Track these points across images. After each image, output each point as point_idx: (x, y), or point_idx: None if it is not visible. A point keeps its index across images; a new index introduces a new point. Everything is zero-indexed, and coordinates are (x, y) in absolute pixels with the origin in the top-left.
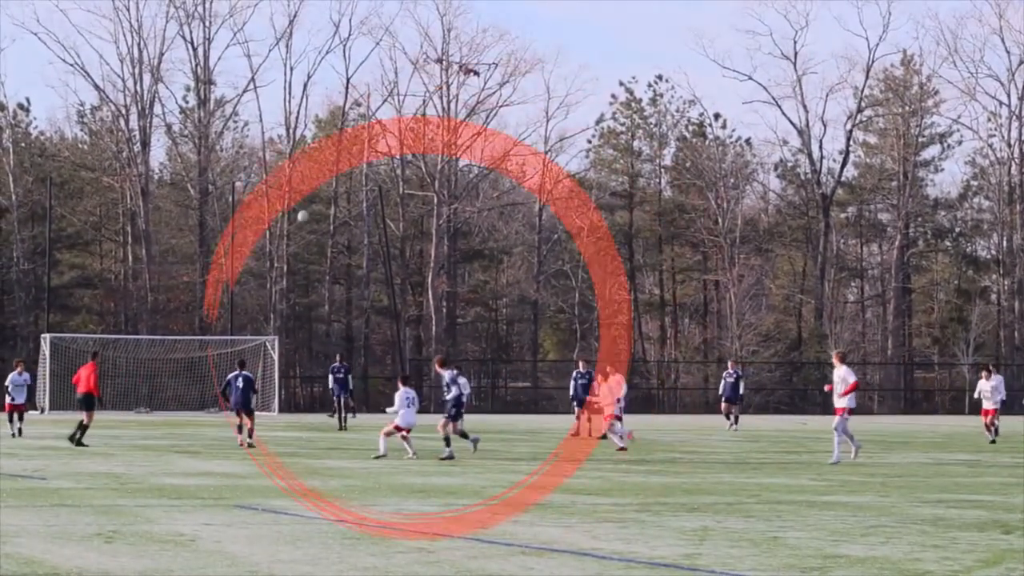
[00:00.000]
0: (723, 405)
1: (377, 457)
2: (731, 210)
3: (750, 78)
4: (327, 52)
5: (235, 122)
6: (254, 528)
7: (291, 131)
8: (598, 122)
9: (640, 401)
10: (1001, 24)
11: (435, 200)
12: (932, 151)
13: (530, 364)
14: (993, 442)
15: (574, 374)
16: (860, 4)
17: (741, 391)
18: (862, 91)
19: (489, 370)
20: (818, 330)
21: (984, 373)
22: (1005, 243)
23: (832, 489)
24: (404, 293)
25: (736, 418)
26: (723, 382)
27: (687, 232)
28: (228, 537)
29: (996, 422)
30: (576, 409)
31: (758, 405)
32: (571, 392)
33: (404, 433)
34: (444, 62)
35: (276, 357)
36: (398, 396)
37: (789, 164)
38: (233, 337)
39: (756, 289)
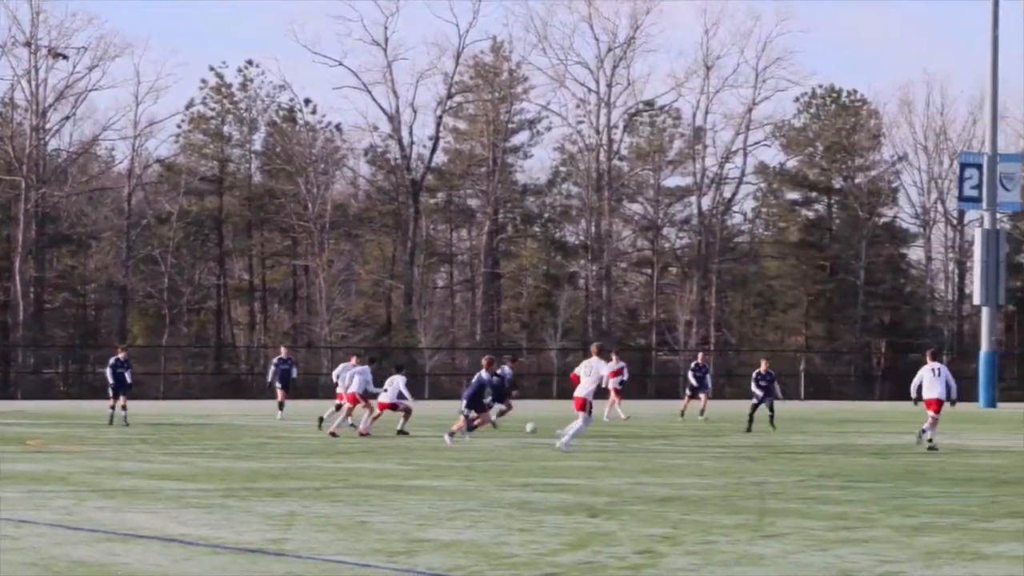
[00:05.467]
0: (279, 392)
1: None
2: (321, 195)
3: (340, 64)
4: None
5: None
6: None
7: None
8: (188, 107)
9: (228, 387)
10: (590, 11)
11: (23, 184)
12: (522, 137)
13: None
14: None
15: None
16: None
17: (294, 375)
18: (452, 77)
19: (76, 356)
20: (407, 315)
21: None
22: (593, 229)
23: (419, 473)
24: None
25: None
26: (274, 368)
27: (277, 217)
28: None
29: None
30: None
31: None
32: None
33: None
34: (32, 45)
35: None
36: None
37: (379, 150)
38: None
39: (346, 274)
